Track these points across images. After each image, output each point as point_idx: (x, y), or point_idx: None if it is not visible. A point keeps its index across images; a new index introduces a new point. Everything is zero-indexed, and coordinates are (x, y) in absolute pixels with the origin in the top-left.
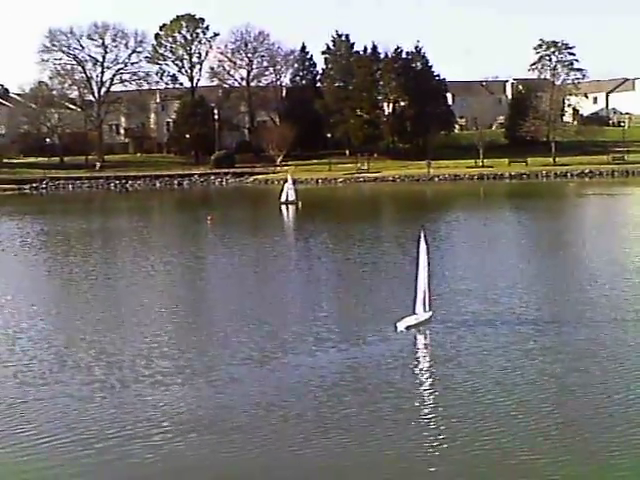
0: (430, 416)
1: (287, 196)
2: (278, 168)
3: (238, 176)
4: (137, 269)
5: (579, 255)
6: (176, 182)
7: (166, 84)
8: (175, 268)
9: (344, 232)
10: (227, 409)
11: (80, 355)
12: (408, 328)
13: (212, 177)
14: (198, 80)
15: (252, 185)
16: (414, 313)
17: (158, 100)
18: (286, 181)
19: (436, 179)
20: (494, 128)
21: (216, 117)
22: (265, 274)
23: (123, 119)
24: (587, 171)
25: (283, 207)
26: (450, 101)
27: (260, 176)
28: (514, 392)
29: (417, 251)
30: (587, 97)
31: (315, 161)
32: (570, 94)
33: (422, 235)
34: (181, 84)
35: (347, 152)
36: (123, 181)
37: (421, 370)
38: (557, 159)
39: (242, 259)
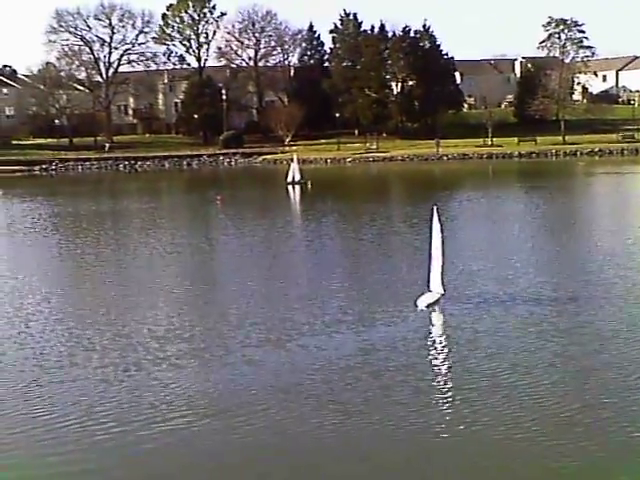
0: (449, 398)
1: (293, 176)
2: (287, 148)
3: (247, 156)
4: (149, 251)
5: (593, 234)
6: (185, 162)
7: (174, 64)
8: (187, 250)
9: (355, 212)
10: (243, 391)
11: (95, 338)
12: (428, 306)
13: (221, 157)
14: (206, 60)
15: (261, 165)
16: (430, 290)
17: (166, 81)
18: (292, 161)
19: (445, 158)
20: (503, 107)
21: (224, 97)
22: (278, 255)
23: (131, 100)
24: (597, 149)
25: (290, 187)
26: (458, 80)
27: (269, 156)
28: (532, 374)
29: (430, 229)
30: (596, 75)
31: (324, 141)
32: (579, 72)
33: (435, 213)
34: (188, 64)
35: (356, 132)
36: (132, 162)
37: (439, 351)
38: (566, 138)
39: (254, 240)
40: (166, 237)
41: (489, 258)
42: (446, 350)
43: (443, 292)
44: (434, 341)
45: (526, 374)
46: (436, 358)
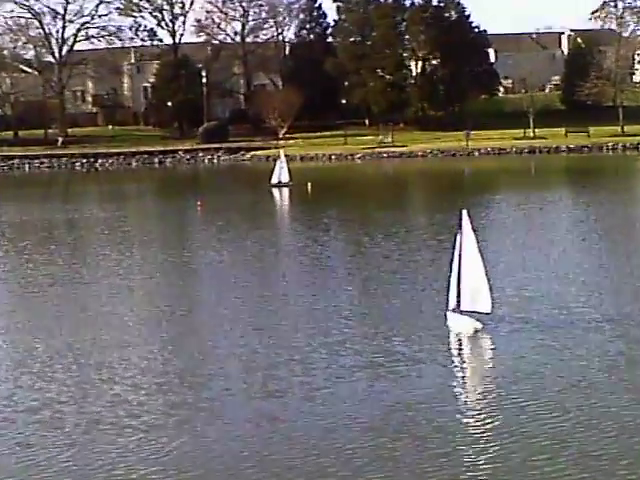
0: (487, 440)
1: (280, 177)
2: (281, 142)
3: (232, 152)
4: (112, 272)
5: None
6: (157, 160)
7: (142, 41)
8: (160, 272)
9: (364, 223)
10: (267, 458)
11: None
12: (474, 331)
13: (200, 154)
14: (182, 36)
15: (250, 163)
16: (462, 311)
17: (133, 61)
18: (278, 158)
19: (476, 154)
20: (547, 91)
21: (204, 81)
22: (277, 275)
23: (90, 84)
24: None
25: (275, 191)
26: (492, 58)
27: (259, 152)
28: (588, 418)
29: (457, 238)
30: None
31: (327, 133)
32: None
33: (465, 218)
34: (161, 41)
35: (366, 122)
36: (91, 159)
37: (479, 382)
38: (626, 128)
39: (241, 259)
40: (134, 255)
41: (532, 275)
42: (487, 378)
43: (489, 311)
44: (474, 369)
45: (580, 419)
46: (475, 391)
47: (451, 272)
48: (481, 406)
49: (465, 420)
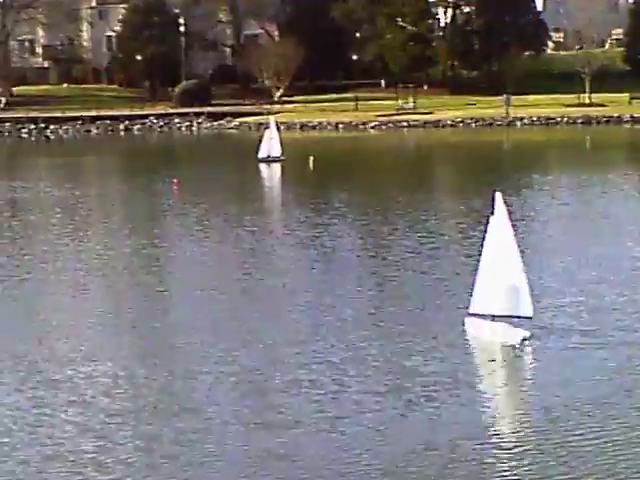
0: None
1: (269, 150)
2: (277, 106)
3: (216, 118)
4: (68, 265)
5: None
6: (122, 127)
7: None
8: (134, 263)
9: (380, 208)
10: None
11: None
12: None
13: (176, 120)
14: None
15: (237, 132)
16: (494, 317)
17: (94, 4)
18: (267, 127)
19: (518, 123)
20: (607, 47)
21: (182, 30)
22: (272, 274)
23: (40, 32)
24: None
25: (263, 167)
26: (539, 6)
27: (249, 118)
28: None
29: (489, 227)
30: None
31: (334, 96)
32: None
33: (499, 201)
34: None
35: (382, 83)
36: (41, 125)
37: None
38: None
39: (234, 252)
40: (95, 245)
41: (582, 274)
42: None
43: (531, 315)
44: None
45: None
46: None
47: (479, 269)
48: (526, 449)
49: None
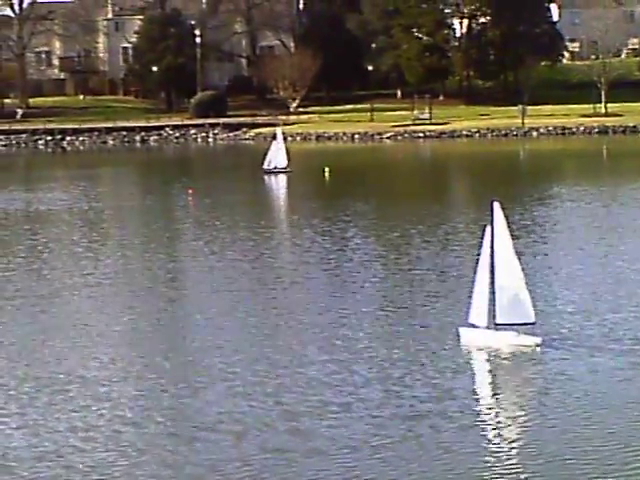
0: None
1: (271, 161)
2: (293, 117)
3: (232, 129)
4: (89, 280)
5: None
6: (138, 138)
7: None
8: (150, 279)
9: (397, 220)
10: None
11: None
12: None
13: (192, 131)
14: None
15: (253, 143)
16: (497, 325)
17: (110, 15)
18: (274, 138)
19: (534, 133)
20: (624, 57)
21: (198, 41)
22: (286, 286)
23: (58, 44)
24: None
25: (269, 179)
26: (555, 16)
27: (265, 129)
28: None
29: (486, 236)
30: None
31: (349, 107)
32: None
33: (497, 211)
34: None
35: (398, 93)
36: (58, 137)
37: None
38: None
39: (249, 264)
40: (110, 259)
41: (589, 286)
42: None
43: (533, 321)
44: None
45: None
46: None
47: (477, 278)
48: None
49: None
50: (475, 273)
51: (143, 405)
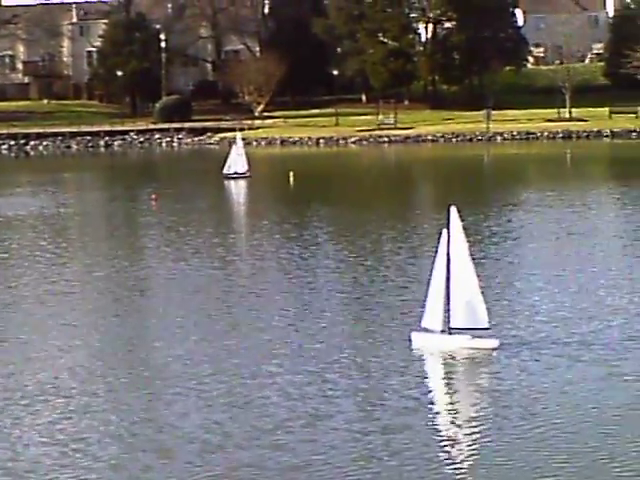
0: None
1: (235, 166)
2: (258, 122)
3: (196, 134)
4: (48, 289)
5: None
6: (102, 143)
7: None
8: (112, 286)
9: (358, 229)
10: None
11: None
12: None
13: (157, 135)
14: None
15: (218, 147)
16: (451, 329)
17: (75, 20)
18: (234, 143)
19: (499, 138)
20: (587, 62)
21: (163, 45)
22: (250, 292)
23: (22, 48)
24: None
25: (230, 183)
26: (520, 21)
27: (230, 134)
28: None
29: (443, 241)
30: None
31: (315, 112)
32: None
33: (454, 216)
34: None
35: (363, 98)
36: (22, 141)
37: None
38: None
39: (212, 266)
40: (71, 267)
41: (550, 292)
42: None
43: (487, 326)
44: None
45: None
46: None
47: (431, 283)
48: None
49: None
50: (430, 277)
51: (108, 419)
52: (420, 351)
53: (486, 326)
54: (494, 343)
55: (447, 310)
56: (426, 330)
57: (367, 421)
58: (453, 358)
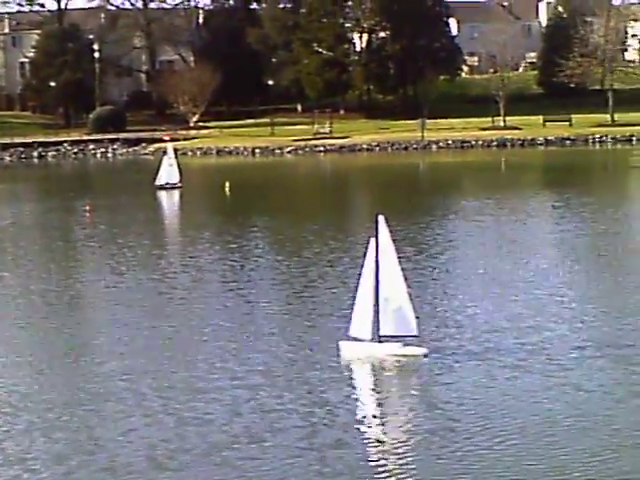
0: None
1: (168, 177)
2: (193, 132)
3: (131, 144)
4: None
5: None
6: (36, 154)
7: (19, 5)
8: (41, 305)
9: (295, 239)
10: None
11: None
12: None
13: (91, 146)
14: (69, 0)
15: (153, 158)
16: (381, 337)
17: (7, 30)
18: (165, 154)
19: (434, 147)
20: (521, 70)
21: (97, 56)
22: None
23: None
24: None
25: (162, 194)
26: (454, 31)
27: (164, 144)
28: None
29: (370, 249)
30: None
31: (250, 121)
32: (635, 19)
33: (382, 224)
34: (42, 6)
35: (298, 108)
36: None
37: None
38: (616, 116)
39: (150, 278)
40: (2, 279)
41: (480, 301)
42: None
43: (416, 334)
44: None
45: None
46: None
47: (359, 291)
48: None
49: None
50: (358, 286)
51: (49, 438)
52: (349, 360)
53: (415, 334)
54: (423, 351)
55: (377, 318)
56: (355, 339)
57: (304, 438)
58: (382, 366)
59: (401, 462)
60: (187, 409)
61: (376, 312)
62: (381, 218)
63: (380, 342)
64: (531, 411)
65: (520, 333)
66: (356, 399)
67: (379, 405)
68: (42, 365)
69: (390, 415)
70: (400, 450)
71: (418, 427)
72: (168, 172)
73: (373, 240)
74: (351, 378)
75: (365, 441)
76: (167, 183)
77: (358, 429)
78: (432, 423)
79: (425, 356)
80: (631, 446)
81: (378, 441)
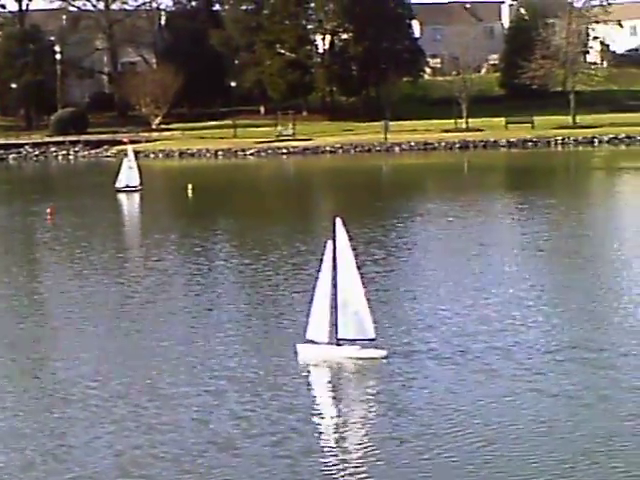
0: None
1: (127, 179)
2: (155, 134)
3: (93, 147)
4: None
5: (611, 268)
6: None
7: None
8: (13, 304)
9: (258, 242)
10: None
11: None
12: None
13: (53, 148)
14: (30, 1)
15: (115, 160)
16: (339, 340)
17: None
18: (125, 156)
19: (397, 149)
20: (483, 72)
21: (58, 57)
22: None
23: None
24: (622, 136)
25: (122, 197)
26: (417, 32)
27: (126, 146)
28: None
29: (327, 252)
30: (622, 26)
31: (212, 123)
32: (597, 22)
33: (339, 227)
34: (3, 7)
35: (261, 109)
36: None
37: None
38: (578, 118)
39: (114, 282)
40: None
41: (438, 303)
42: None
43: (373, 337)
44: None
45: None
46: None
47: (315, 295)
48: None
49: None
50: (314, 289)
51: (15, 446)
52: (306, 363)
53: (372, 337)
54: (382, 353)
55: (334, 322)
56: (312, 342)
57: (269, 445)
58: (342, 369)
59: (361, 468)
60: (154, 415)
61: (334, 315)
62: (338, 221)
63: (338, 345)
64: (497, 415)
65: (487, 336)
66: (315, 403)
67: (339, 410)
68: (3, 370)
69: (350, 419)
70: (359, 454)
71: (378, 432)
72: (128, 175)
73: (330, 243)
74: (308, 382)
75: (326, 446)
76: (127, 186)
77: (320, 434)
78: (394, 427)
79: (385, 358)
80: (599, 451)
81: (339, 446)
